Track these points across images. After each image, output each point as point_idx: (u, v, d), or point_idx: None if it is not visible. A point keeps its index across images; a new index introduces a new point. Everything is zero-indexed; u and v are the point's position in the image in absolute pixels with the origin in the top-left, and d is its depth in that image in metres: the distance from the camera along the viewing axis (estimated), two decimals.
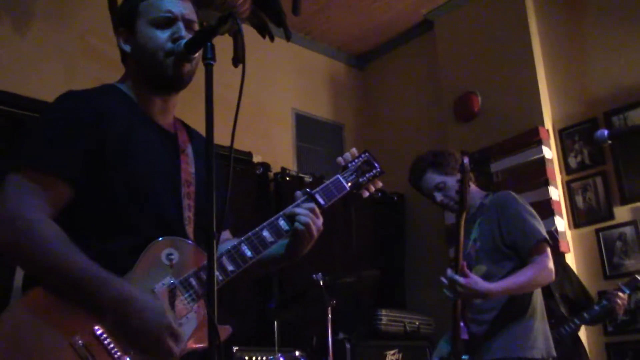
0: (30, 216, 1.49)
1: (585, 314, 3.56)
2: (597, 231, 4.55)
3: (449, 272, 2.65)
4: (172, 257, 1.59)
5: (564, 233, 4.60)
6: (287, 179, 5.15)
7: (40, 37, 4.27)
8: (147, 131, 1.72)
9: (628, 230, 4.39)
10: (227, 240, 1.86)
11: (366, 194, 1.95)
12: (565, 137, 4.85)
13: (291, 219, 1.74)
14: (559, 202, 4.67)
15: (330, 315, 3.38)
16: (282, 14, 4.07)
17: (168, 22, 1.72)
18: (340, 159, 1.94)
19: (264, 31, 4.20)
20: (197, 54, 1.67)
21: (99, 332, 1.46)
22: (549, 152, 4.77)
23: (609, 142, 2.84)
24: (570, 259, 4.53)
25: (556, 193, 4.67)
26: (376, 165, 1.96)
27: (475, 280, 2.61)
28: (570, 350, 3.51)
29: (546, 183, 4.63)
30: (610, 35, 4.72)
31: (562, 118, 4.91)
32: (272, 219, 1.74)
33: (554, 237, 4.35)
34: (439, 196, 2.98)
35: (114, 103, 1.71)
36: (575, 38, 4.94)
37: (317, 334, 3.99)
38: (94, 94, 1.71)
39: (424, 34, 6.05)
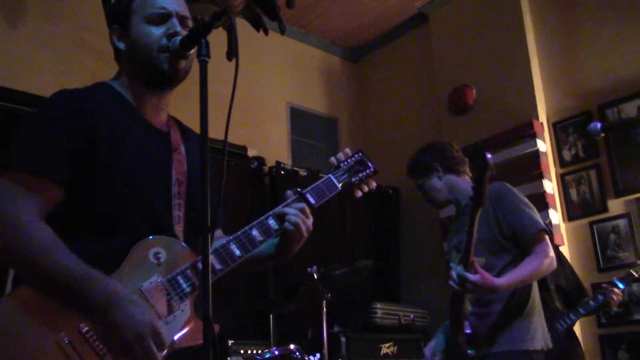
0: (20, 217, 1.49)
1: (580, 309, 3.57)
2: (591, 224, 4.57)
3: (459, 268, 2.61)
4: (160, 255, 1.60)
5: (558, 226, 4.62)
6: (282, 172, 5.16)
7: (34, 32, 4.26)
8: (139, 130, 1.72)
9: (622, 223, 4.41)
10: (218, 238, 1.85)
11: (359, 193, 1.95)
12: (559, 130, 4.86)
13: (281, 218, 1.75)
14: (553, 195, 4.69)
15: (325, 309, 3.39)
16: (276, 8, 4.06)
17: (162, 18, 1.72)
18: (333, 158, 1.94)
19: (258, 25, 4.19)
20: (192, 51, 1.67)
21: (84, 329, 1.46)
22: (543, 145, 4.79)
23: (602, 134, 2.85)
24: (565, 252, 4.54)
25: (550, 186, 4.69)
26: (370, 165, 1.96)
27: (486, 277, 2.59)
28: (565, 347, 3.52)
29: (540, 176, 4.65)
30: (604, 29, 4.73)
31: (556, 111, 4.92)
32: (262, 218, 1.75)
33: (548, 230, 4.36)
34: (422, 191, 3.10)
35: (105, 102, 1.70)
36: (569, 31, 4.95)
37: (312, 327, 4.01)
38: (85, 93, 1.71)
39: (418, 27, 6.04)
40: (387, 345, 4.66)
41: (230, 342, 3.74)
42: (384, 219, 5.82)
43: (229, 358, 3.62)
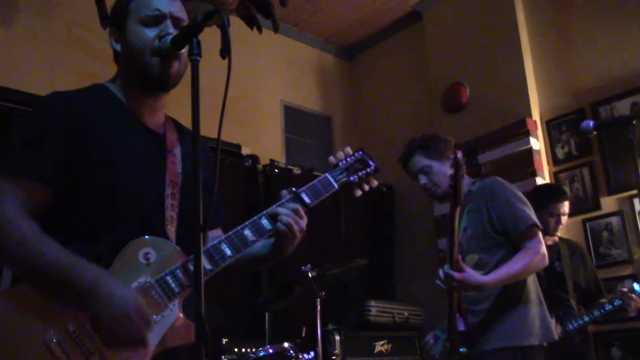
0: (8, 214, 1.51)
1: (595, 312, 3.49)
2: (584, 221, 4.58)
3: (445, 267, 2.62)
4: (149, 256, 1.60)
5: None
6: (276, 170, 5.16)
7: (26, 29, 4.24)
8: (132, 132, 1.72)
9: (614, 221, 4.43)
10: (217, 238, 1.86)
11: (359, 193, 1.91)
12: (552, 128, 4.88)
13: (274, 218, 1.73)
14: None
15: (319, 307, 3.39)
16: (270, 5, 4.06)
17: (156, 20, 1.71)
18: (331, 157, 1.90)
19: (252, 23, 4.19)
20: (183, 51, 1.66)
21: (71, 329, 1.48)
22: (537, 143, 4.80)
23: (595, 132, 2.86)
24: None
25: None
26: (371, 163, 1.92)
27: (471, 274, 2.59)
28: (578, 348, 3.47)
29: (534, 174, 4.66)
30: (597, 27, 4.74)
31: (550, 109, 4.93)
32: (255, 217, 1.73)
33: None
34: (423, 179, 2.99)
35: (99, 103, 1.71)
36: (562, 30, 4.96)
37: (306, 325, 4.00)
38: (77, 95, 1.71)
39: (412, 25, 6.05)
40: (382, 343, 4.67)
41: (224, 340, 3.73)
42: (378, 217, 5.83)
43: (222, 357, 3.62)
